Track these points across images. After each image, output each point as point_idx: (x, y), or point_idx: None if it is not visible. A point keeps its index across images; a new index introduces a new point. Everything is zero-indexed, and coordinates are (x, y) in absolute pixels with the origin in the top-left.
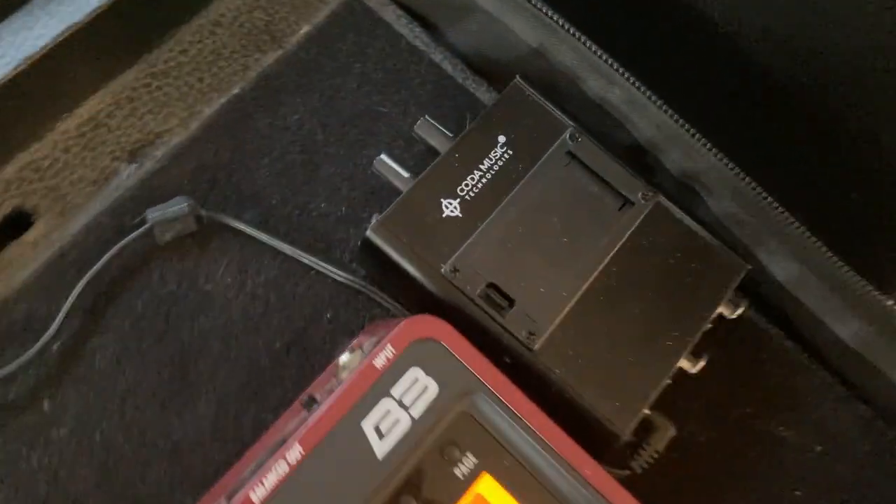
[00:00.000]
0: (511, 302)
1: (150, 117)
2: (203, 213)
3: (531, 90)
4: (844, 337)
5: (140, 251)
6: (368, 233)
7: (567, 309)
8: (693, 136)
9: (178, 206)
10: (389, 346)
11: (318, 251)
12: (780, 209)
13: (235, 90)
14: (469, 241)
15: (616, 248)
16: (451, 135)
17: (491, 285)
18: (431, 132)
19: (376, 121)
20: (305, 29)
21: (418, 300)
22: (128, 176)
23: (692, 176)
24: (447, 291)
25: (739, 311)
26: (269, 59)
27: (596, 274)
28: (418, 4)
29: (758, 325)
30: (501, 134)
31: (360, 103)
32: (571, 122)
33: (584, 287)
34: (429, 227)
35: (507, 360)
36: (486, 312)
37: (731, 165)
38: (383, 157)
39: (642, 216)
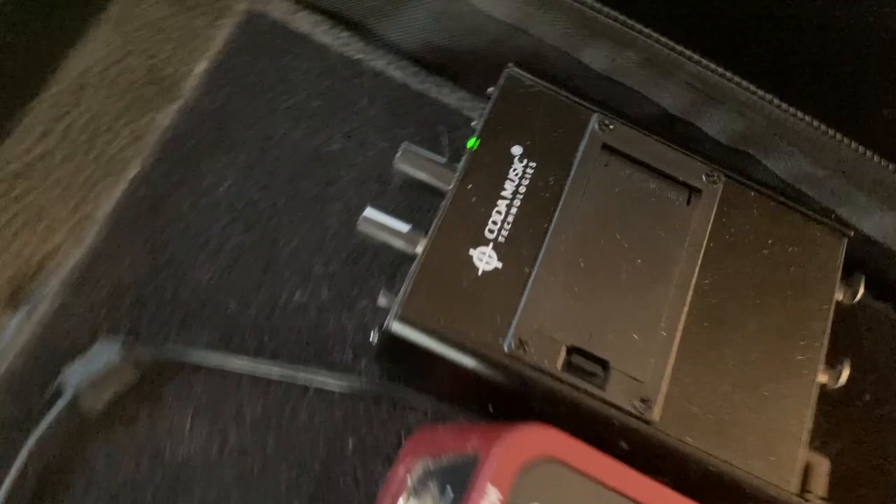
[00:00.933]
0: (604, 364)
1: (23, 239)
2: (142, 353)
3: (532, 77)
4: None
5: (68, 434)
6: (393, 324)
7: (673, 352)
8: (745, 88)
9: (103, 354)
10: (492, 490)
11: (308, 360)
12: (867, 153)
13: (134, 170)
14: (525, 296)
15: (701, 254)
16: (442, 159)
17: (573, 350)
18: (419, 163)
19: (330, 164)
20: (202, 66)
21: (471, 392)
22: (16, 330)
23: (746, 138)
24: (517, 374)
25: (860, 291)
26: (167, 117)
27: (690, 295)
28: (337, 2)
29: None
30: (514, 144)
31: (301, 147)
32: (595, 107)
33: (684, 316)
34: (467, 293)
35: (623, 444)
36: (578, 389)
37: (799, 114)
38: (369, 212)
39: (716, 204)
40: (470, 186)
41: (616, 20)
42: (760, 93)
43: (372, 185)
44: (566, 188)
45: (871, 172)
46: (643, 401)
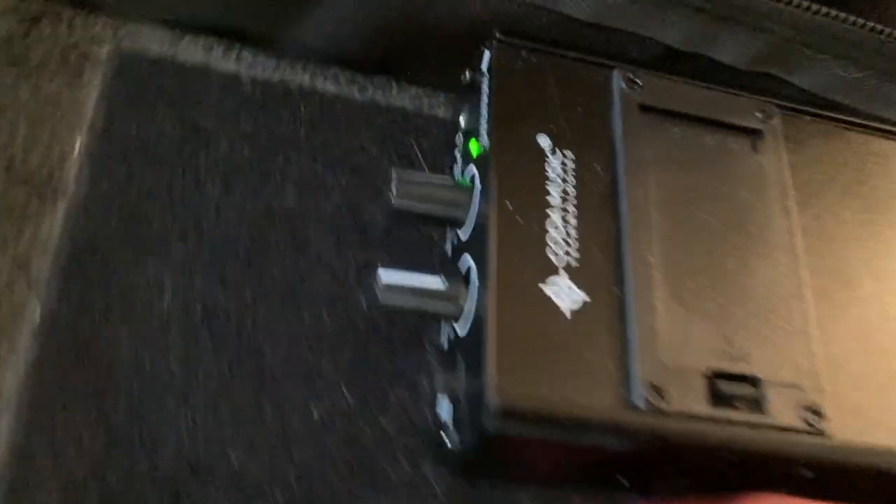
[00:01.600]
0: (755, 382)
1: None
2: None
3: (527, 43)
4: None
5: None
6: (493, 422)
7: (814, 336)
8: None
9: None
10: None
11: (356, 491)
12: None
13: (32, 315)
14: (633, 327)
15: (794, 207)
16: (449, 179)
17: (716, 376)
18: (424, 192)
19: (290, 224)
20: (79, 143)
21: (593, 470)
22: None
23: (768, 57)
24: (659, 430)
25: None
26: (54, 226)
27: (803, 257)
28: (223, 16)
29: None
30: (538, 133)
31: (247, 212)
32: (610, 61)
33: (807, 286)
34: (561, 346)
35: (806, 472)
36: (738, 424)
37: (833, 13)
38: (385, 276)
39: (783, 143)
40: (507, 203)
41: None
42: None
43: (352, 237)
44: (620, 172)
45: None
46: (811, 410)
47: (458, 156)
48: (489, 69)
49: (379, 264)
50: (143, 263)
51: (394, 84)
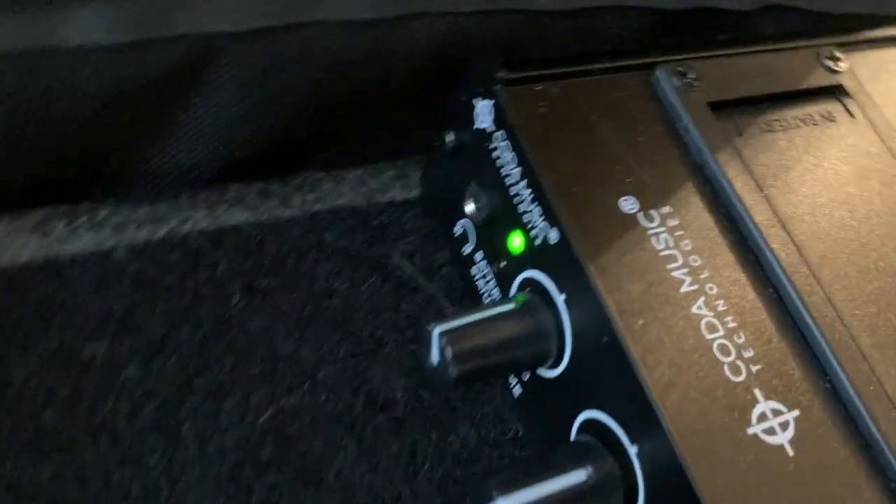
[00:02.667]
0: None
1: None
2: None
3: (540, 72)
4: None
5: None
6: None
7: None
8: None
9: None
10: None
11: None
12: None
13: None
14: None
15: None
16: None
17: None
18: (485, 336)
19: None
20: None
21: None
22: None
23: None
24: None
25: None
26: None
27: None
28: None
29: None
30: (618, 195)
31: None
32: (648, 58)
33: None
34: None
35: None
36: None
37: None
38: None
39: (867, 88)
40: (629, 311)
41: None
42: None
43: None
44: (741, 214)
45: None
46: None
47: (475, 256)
48: (501, 124)
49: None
50: None
51: (322, 177)
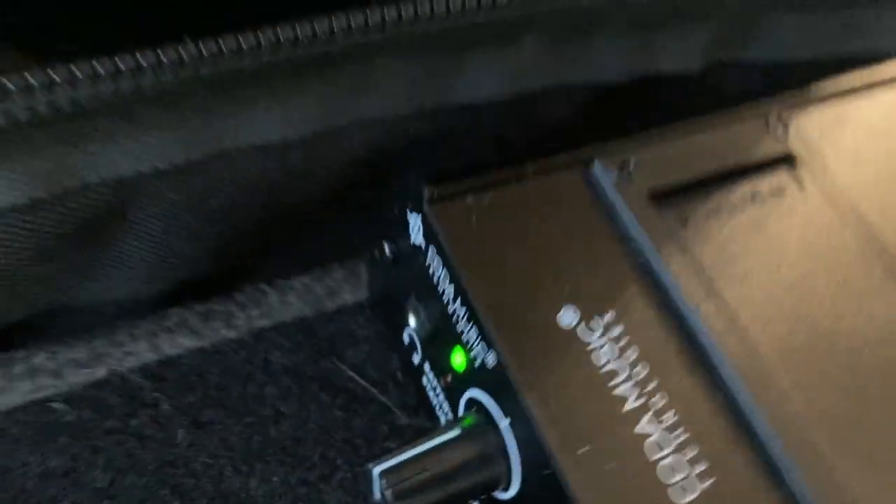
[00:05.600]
0: None
1: None
2: None
3: (467, 182)
4: None
5: None
6: None
7: None
8: None
9: None
10: None
11: None
12: None
13: None
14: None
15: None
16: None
17: None
18: (429, 472)
19: None
20: None
21: None
22: None
23: (720, 42)
24: None
25: None
26: None
27: None
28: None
29: None
30: (554, 308)
31: None
32: (583, 151)
33: None
34: None
35: None
36: None
37: None
38: None
39: (821, 154)
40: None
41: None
42: None
43: None
44: (684, 310)
45: None
46: None
47: (423, 366)
48: (431, 239)
49: None
50: None
51: (268, 290)
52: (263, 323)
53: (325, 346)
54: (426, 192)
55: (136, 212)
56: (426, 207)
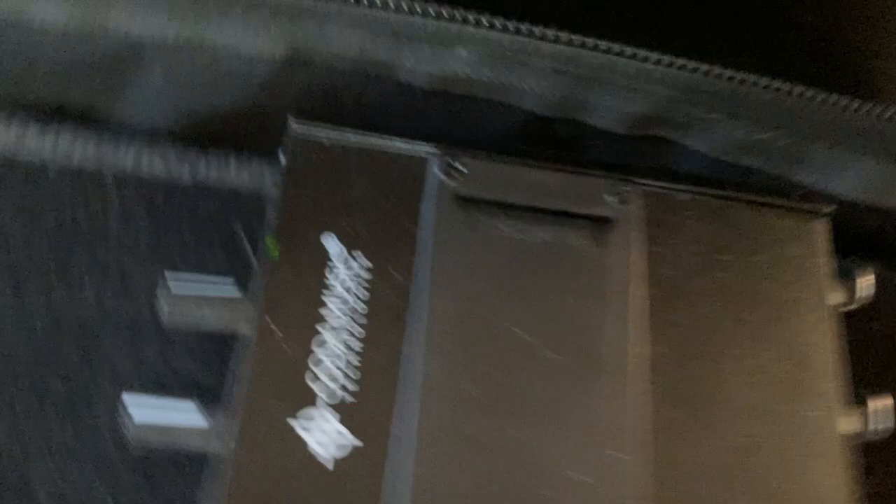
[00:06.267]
0: None
1: None
2: None
3: (326, 127)
4: None
5: None
6: None
7: (645, 478)
8: (632, 56)
9: None
10: None
11: None
12: (817, 97)
13: None
14: (410, 481)
15: (643, 312)
16: (232, 289)
17: None
18: (198, 307)
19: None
20: None
21: None
22: None
23: (651, 118)
24: None
25: (867, 281)
26: None
27: (646, 379)
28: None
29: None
30: (325, 232)
31: (33, 316)
32: (427, 144)
33: (648, 415)
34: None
35: None
36: None
37: (714, 71)
38: (128, 398)
39: (637, 231)
40: (269, 318)
41: (434, 14)
42: (654, 56)
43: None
44: (423, 282)
45: (830, 117)
46: None
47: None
48: (284, 155)
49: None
50: None
51: (233, 159)
52: (217, 182)
53: (246, 209)
54: (291, 122)
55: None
56: (289, 131)
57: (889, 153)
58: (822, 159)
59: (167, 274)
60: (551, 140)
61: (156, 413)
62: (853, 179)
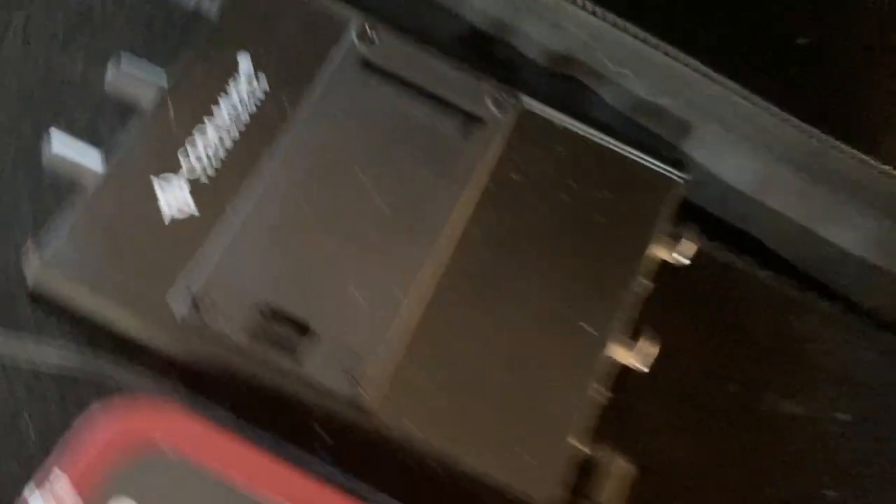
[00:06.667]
0: (305, 330)
1: None
2: None
3: None
4: (846, 244)
5: None
6: (32, 276)
7: (411, 319)
8: None
9: None
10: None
11: None
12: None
13: None
14: (221, 247)
15: (473, 200)
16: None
17: (268, 311)
18: (134, 78)
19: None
20: None
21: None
22: None
23: (567, 59)
24: (191, 343)
25: (690, 249)
26: None
27: (450, 250)
28: None
29: (716, 258)
30: (243, 49)
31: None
32: (354, 9)
33: (437, 276)
34: (144, 242)
35: (328, 439)
36: (262, 361)
37: (629, 28)
38: (54, 134)
39: (502, 137)
40: (175, 104)
41: None
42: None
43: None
44: (302, 112)
45: (723, 102)
46: (355, 378)
47: None
48: None
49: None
50: None
51: None
52: None
53: None
54: None
55: None
56: None
57: (769, 148)
58: (713, 140)
59: (122, 55)
60: (488, 59)
61: (67, 149)
62: (735, 168)
